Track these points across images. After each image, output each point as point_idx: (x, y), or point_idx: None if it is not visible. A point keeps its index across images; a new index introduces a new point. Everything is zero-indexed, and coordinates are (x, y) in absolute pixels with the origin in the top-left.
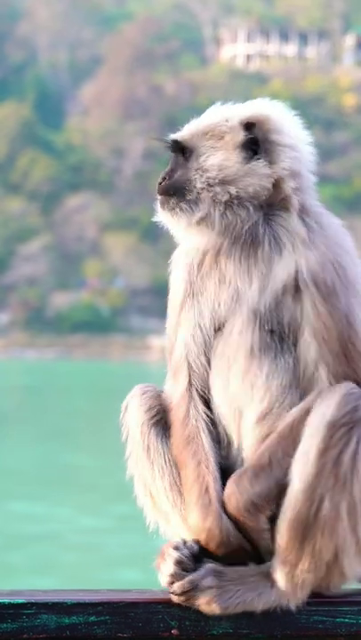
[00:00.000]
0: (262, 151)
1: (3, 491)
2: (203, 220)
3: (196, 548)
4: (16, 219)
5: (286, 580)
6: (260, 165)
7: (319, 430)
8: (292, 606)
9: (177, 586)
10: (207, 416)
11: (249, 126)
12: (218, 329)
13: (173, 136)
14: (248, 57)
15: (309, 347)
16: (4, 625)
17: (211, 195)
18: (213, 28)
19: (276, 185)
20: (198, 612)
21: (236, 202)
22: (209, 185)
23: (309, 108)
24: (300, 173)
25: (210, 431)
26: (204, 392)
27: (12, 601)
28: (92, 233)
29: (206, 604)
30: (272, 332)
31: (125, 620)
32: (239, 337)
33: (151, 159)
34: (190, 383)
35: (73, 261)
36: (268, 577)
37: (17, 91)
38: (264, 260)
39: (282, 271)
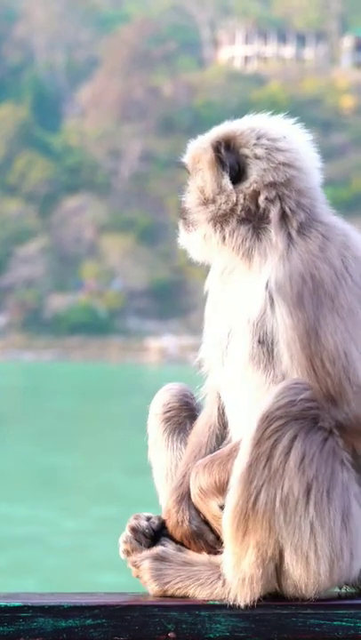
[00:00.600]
0: (233, 168)
1: None
2: (204, 240)
3: (156, 523)
4: (13, 220)
5: (233, 574)
6: (225, 182)
7: (255, 421)
8: (241, 603)
9: (128, 564)
10: (219, 416)
11: (219, 145)
12: (230, 336)
13: (182, 158)
14: (246, 58)
15: (283, 358)
16: (1, 628)
17: (200, 214)
18: (211, 30)
19: (253, 198)
20: (195, 615)
21: (220, 220)
22: (196, 205)
23: (307, 110)
24: (277, 183)
25: (215, 428)
26: (220, 395)
27: (8, 604)
28: (90, 235)
29: (146, 582)
30: (261, 342)
31: (122, 623)
32: (237, 347)
33: (148, 161)
34: (210, 386)
35: (70, 263)
36: (218, 569)
37: (14, 92)
38: (253, 273)
39: (261, 284)
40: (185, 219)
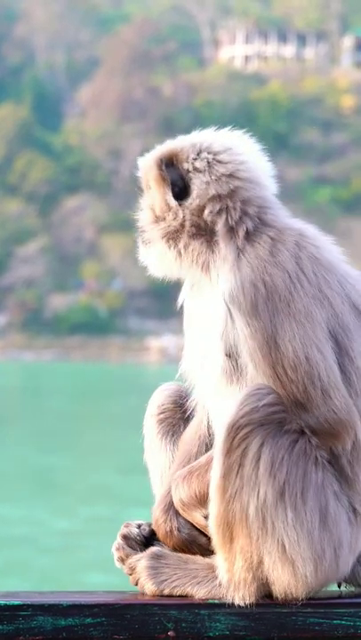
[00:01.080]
0: (176, 184)
1: None
2: (160, 256)
3: (147, 530)
4: (14, 220)
5: (227, 577)
6: (169, 199)
7: (222, 431)
8: (239, 601)
9: (124, 569)
10: (208, 426)
11: (161, 162)
12: (204, 350)
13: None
14: (246, 58)
15: (248, 369)
16: (1, 627)
17: (153, 233)
18: (211, 30)
19: (199, 212)
20: (195, 614)
21: (172, 236)
22: (149, 223)
23: (307, 110)
24: (221, 195)
25: (204, 437)
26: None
27: (7, 602)
28: (90, 234)
29: (143, 583)
30: (228, 355)
31: (122, 621)
32: (209, 361)
33: None
34: (196, 393)
35: (70, 263)
36: (214, 570)
37: (14, 92)
38: (213, 286)
39: (218, 297)
40: (142, 236)
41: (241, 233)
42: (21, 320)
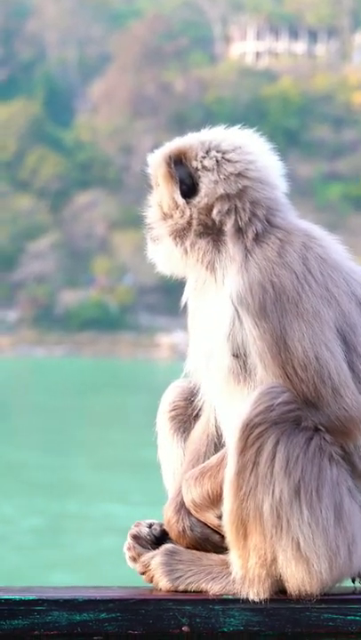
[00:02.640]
0: (184, 182)
1: None
2: (167, 254)
3: (158, 530)
4: (25, 216)
5: (241, 574)
6: (177, 197)
7: (236, 431)
8: (253, 597)
9: (137, 568)
10: (216, 425)
11: (170, 159)
12: (210, 351)
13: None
14: (257, 54)
15: (257, 370)
16: (16, 621)
17: (160, 229)
18: (222, 26)
19: (207, 211)
20: (209, 610)
21: (180, 234)
22: (157, 220)
23: (319, 106)
24: (229, 195)
25: (213, 437)
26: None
27: (23, 597)
28: (101, 230)
29: (158, 580)
30: (236, 356)
31: (136, 616)
32: (216, 360)
33: None
34: (203, 393)
35: (82, 259)
36: (228, 566)
37: (26, 88)
38: (219, 286)
39: (224, 297)
40: (150, 232)
41: (250, 234)
42: (32, 316)
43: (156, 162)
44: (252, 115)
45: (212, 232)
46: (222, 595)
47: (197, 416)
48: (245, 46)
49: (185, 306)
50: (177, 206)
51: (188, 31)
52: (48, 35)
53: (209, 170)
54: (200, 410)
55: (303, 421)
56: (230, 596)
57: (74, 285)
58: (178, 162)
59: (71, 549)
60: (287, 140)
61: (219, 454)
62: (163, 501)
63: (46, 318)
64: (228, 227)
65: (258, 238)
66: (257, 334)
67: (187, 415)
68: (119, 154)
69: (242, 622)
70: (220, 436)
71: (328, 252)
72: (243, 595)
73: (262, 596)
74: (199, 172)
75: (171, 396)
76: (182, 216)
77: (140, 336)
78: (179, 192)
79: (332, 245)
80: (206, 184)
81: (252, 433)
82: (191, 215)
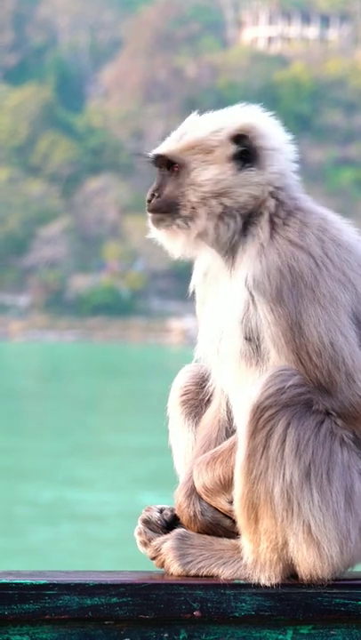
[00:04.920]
0: (252, 159)
1: None
2: (199, 235)
3: (169, 515)
4: (36, 201)
5: (253, 558)
6: (252, 174)
7: (246, 413)
8: (264, 581)
9: (148, 552)
10: (227, 410)
11: (238, 138)
12: (221, 334)
13: (159, 151)
14: (269, 39)
15: (270, 354)
16: (27, 606)
17: (206, 209)
18: (234, 11)
19: (260, 192)
20: (221, 594)
21: (228, 213)
22: (204, 199)
23: (331, 91)
24: (284, 174)
25: (224, 422)
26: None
27: (34, 582)
28: (113, 215)
29: (169, 564)
30: (248, 339)
31: (147, 601)
32: (228, 344)
33: None
34: (213, 377)
35: (93, 244)
36: (240, 550)
37: (37, 73)
38: (235, 269)
39: (241, 280)
40: (166, 212)
41: (282, 214)
42: (44, 301)
43: (213, 139)
44: (264, 100)
45: (250, 213)
46: (234, 579)
47: (209, 401)
48: (257, 31)
49: (193, 291)
50: (238, 184)
51: (199, 16)
52: (59, 20)
53: (275, 150)
54: (211, 395)
55: (314, 404)
56: (242, 581)
57: (85, 270)
58: (241, 138)
59: (24, 536)
60: (299, 125)
61: (231, 439)
62: (127, 486)
63: (57, 303)
64: (264, 209)
65: (283, 222)
66: (272, 319)
67: (198, 400)
68: (131, 139)
69: (253, 607)
70: (231, 422)
71: (342, 235)
72: (254, 579)
73: (274, 581)
74: (265, 152)
75: (182, 381)
76: (239, 195)
77: (151, 321)
78: (247, 169)
79: (346, 228)
80: (269, 165)
81: (263, 416)
82: (244, 195)
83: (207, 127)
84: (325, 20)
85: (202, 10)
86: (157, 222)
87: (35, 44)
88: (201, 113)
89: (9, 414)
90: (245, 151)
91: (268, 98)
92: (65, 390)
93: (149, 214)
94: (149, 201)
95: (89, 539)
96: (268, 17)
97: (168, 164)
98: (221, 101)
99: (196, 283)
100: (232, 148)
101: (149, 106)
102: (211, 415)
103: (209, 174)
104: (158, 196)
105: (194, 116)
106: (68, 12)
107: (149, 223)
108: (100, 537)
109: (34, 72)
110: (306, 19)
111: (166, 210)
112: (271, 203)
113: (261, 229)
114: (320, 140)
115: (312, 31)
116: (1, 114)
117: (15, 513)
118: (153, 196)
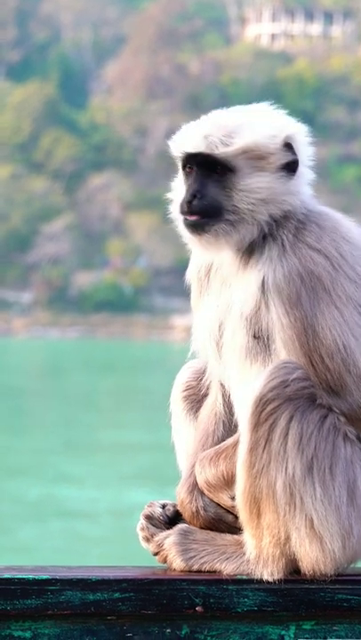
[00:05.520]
0: (296, 169)
1: None
2: (236, 240)
3: (171, 510)
4: (39, 198)
5: (255, 553)
6: (295, 184)
7: (249, 406)
8: (267, 577)
9: (151, 548)
10: (224, 404)
11: (289, 145)
12: (222, 330)
13: (209, 151)
14: (273, 36)
15: (280, 355)
16: (29, 601)
17: (254, 215)
18: (238, 7)
19: (293, 199)
20: (223, 590)
21: (269, 221)
22: (254, 206)
23: (334, 88)
24: (309, 183)
25: (221, 415)
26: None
27: (36, 577)
28: (116, 212)
29: (171, 560)
30: (257, 337)
31: (150, 596)
32: (232, 340)
33: None
34: (212, 374)
35: (96, 241)
36: (242, 546)
37: (40, 70)
38: (249, 267)
39: (256, 279)
40: (210, 216)
41: (301, 217)
42: (47, 298)
43: (267, 144)
44: (267, 97)
45: (272, 218)
46: (236, 575)
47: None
48: (261, 28)
49: (189, 283)
50: (284, 193)
51: (203, 12)
52: (62, 16)
53: (307, 157)
54: (208, 389)
55: (318, 399)
56: (244, 576)
57: (88, 267)
58: (290, 146)
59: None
60: (302, 122)
61: (234, 436)
62: (116, 483)
63: (60, 300)
64: (290, 214)
65: (304, 227)
66: (287, 322)
67: (200, 395)
68: (134, 135)
69: (256, 603)
70: (227, 415)
71: (352, 233)
72: (257, 575)
73: (276, 576)
74: (305, 160)
75: (184, 377)
76: (282, 203)
77: (154, 318)
78: (292, 178)
79: (353, 228)
80: (304, 173)
81: (266, 409)
82: (291, 202)
83: (264, 132)
84: (329, 17)
85: (205, 6)
86: (201, 226)
87: (38, 40)
88: (204, 110)
89: (2, 411)
90: (297, 161)
91: (272, 94)
92: (63, 387)
93: (190, 217)
94: (190, 202)
95: (77, 536)
96: (272, 14)
97: (211, 165)
98: (225, 98)
99: (193, 275)
100: (286, 157)
101: (152, 102)
102: (208, 409)
103: (262, 182)
104: (201, 198)
105: (227, 113)
106: (71, 8)
107: (184, 225)
108: (88, 534)
109: (37, 68)
110: (309, 15)
111: (212, 214)
112: (299, 210)
113: (285, 232)
114: (323, 137)
115: (315, 28)
116: (4, 110)
117: (2, 510)
118: (194, 197)
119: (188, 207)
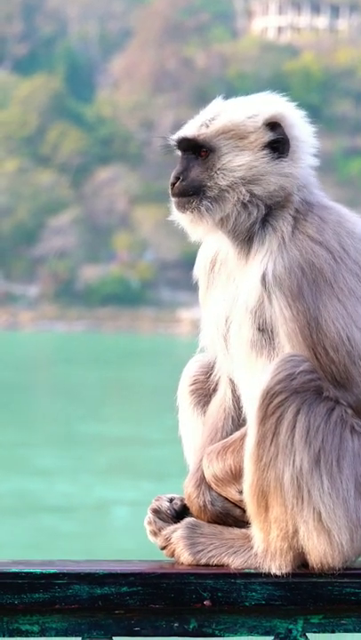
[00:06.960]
0: (284, 149)
1: None
2: (221, 220)
3: (179, 504)
4: (46, 191)
5: (263, 547)
6: (284, 165)
7: (256, 399)
8: (275, 571)
9: (158, 542)
10: (233, 399)
11: (273, 125)
12: (229, 324)
13: (188, 134)
14: (279, 29)
15: (285, 349)
16: (37, 595)
17: (234, 194)
18: (244, 1)
19: (287, 182)
20: (231, 584)
21: (253, 201)
22: (234, 184)
23: (340, 81)
24: (310, 169)
25: (230, 410)
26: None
27: (44, 571)
28: (122, 206)
29: (179, 553)
30: (261, 330)
31: (157, 590)
32: (238, 333)
33: None
34: (221, 369)
35: (103, 234)
36: (250, 539)
37: (47, 63)
38: (251, 259)
39: (258, 272)
40: (192, 195)
41: (302, 208)
42: (53, 291)
43: (247, 124)
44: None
45: (271, 204)
46: (244, 569)
47: (216, 390)
48: (267, 21)
49: (197, 277)
50: (269, 173)
51: (209, 6)
52: (69, 10)
53: (302, 141)
54: (217, 384)
55: (325, 391)
56: (252, 570)
57: (95, 261)
58: (275, 126)
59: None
60: (309, 116)
61: (242, 429)
62: (91, 478)
63: (67, 293)
64: (287, 202)
65: (304, 218)
66: (289, 315)
67: (207, 389)
68: (140, 129)
69: (264, 596)
70: (236, 410)
71: (356, 228)
72: (265, 569)
73: (284, 570)
74: (296, 142)
75: (191, 371)
76: (267, 183)
77: (160, 311)
78: (279, 159)
79: (357, 221)
80: (298, 155)
81: (273, 402)
82: (279, 183)
83: (242, 112)
84: (335, 10)
85: (211, 0)
86: (183, 205)
87: (44, 34)
88: (210, 103)
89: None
90: (279, 140)
91: (278, 88)
92: (60, 381)
93: (174, 198)
94: (173, 184)
95: (50, 531)
96: (278, 7)
97: (195, 149)
98: (231, 91)
99: (200, 269)
100: (268, 136)
101: (159, 96)
102: (216, 404)
103: (242, 160)
104: (183, 180)
105: (219, 101)
106: (77, 1)
107: (173, 207)
108: (60, 529)
109: (43, 62)
110: (316, 8)
111: (193, 192)
112: (296, 197)
113: (283, 223)
114: (330, 130)
115: (322, 21)
116: (11, 104)
117: None
118: (177, 179)
119: (171, 189)
